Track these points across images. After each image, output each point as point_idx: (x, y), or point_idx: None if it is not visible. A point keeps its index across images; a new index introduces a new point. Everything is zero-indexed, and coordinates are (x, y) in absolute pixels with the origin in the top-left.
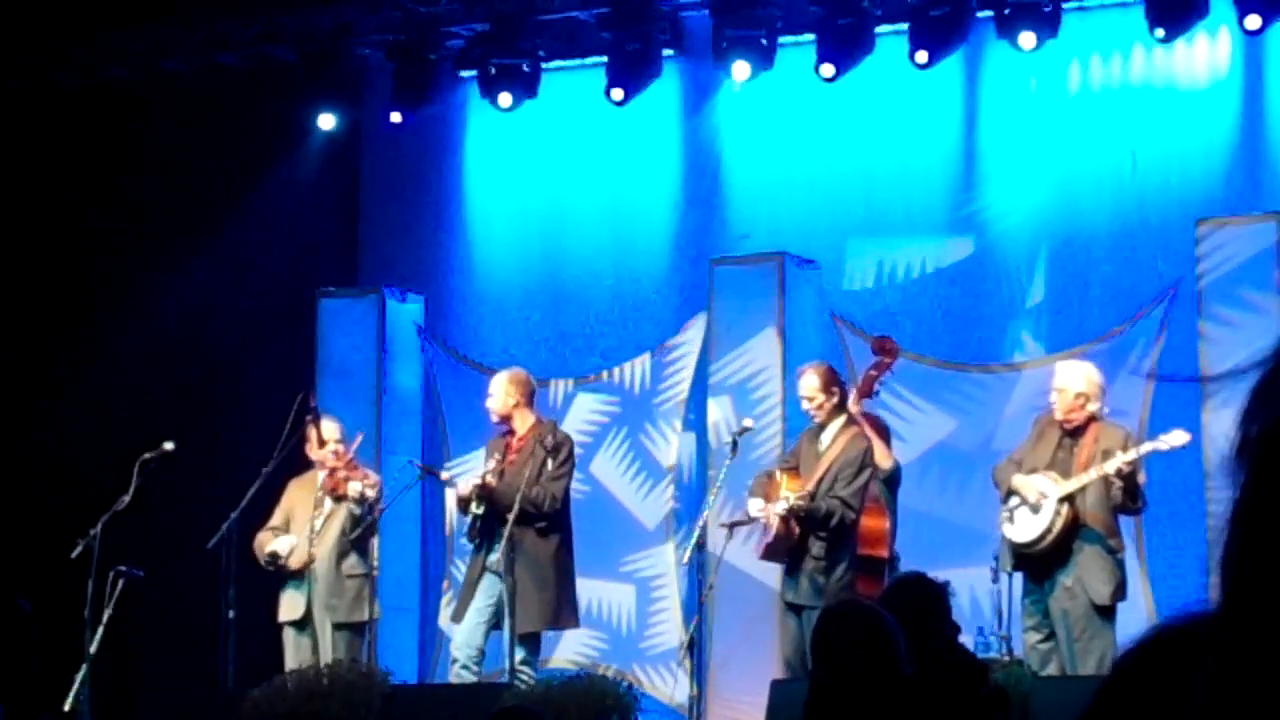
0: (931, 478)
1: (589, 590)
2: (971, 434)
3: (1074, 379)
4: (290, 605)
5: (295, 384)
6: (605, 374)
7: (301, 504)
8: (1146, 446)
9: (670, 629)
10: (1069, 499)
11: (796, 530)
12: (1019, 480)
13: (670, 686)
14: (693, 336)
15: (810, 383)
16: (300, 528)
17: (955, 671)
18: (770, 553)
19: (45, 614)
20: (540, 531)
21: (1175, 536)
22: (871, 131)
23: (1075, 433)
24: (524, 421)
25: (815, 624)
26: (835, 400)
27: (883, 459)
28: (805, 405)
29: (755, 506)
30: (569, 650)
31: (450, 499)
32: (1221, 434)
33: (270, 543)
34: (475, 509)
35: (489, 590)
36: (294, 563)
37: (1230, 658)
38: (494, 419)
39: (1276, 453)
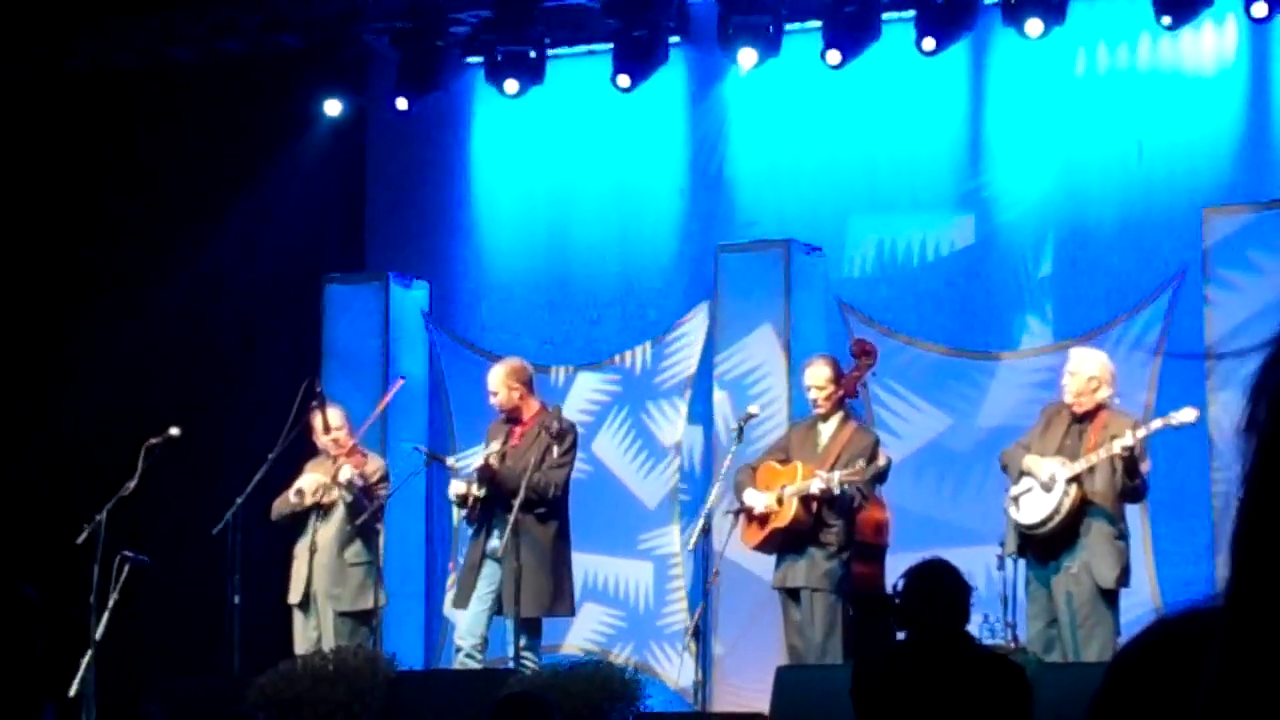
0: (930, 470)
1: (609, 567)
2: (973, 422)
3: (1087, 364)
4: (298, 586)
5: (301, 370)
6: (609, 360)
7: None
8: (1156, 423)
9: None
10: (1076, 480)
11: (813, 515)
12: (1030, 460)
13: (678, 668)
14: (697, 323)
15: (822, 373)
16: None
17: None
18: (769, 541)
19: (51, 600)
20: (540, 517)
21: (1180, 521)
22: (878, 119)
23: (1084, 419)
24: (529, 409)
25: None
26: (841, 393)
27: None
28: (813, 395)
29: (759, 499)
30: (586, 629)
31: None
32: (1226, 417)
33: (294, 485)
34: (476, 492)
35: (490, 577)
36: (312, 498)
37: (1238, 634)
38: (500, 413)
39: None
